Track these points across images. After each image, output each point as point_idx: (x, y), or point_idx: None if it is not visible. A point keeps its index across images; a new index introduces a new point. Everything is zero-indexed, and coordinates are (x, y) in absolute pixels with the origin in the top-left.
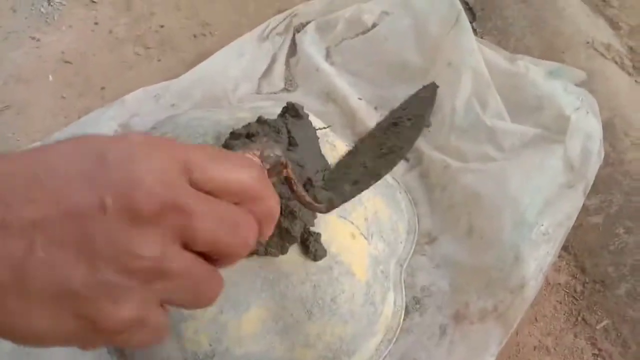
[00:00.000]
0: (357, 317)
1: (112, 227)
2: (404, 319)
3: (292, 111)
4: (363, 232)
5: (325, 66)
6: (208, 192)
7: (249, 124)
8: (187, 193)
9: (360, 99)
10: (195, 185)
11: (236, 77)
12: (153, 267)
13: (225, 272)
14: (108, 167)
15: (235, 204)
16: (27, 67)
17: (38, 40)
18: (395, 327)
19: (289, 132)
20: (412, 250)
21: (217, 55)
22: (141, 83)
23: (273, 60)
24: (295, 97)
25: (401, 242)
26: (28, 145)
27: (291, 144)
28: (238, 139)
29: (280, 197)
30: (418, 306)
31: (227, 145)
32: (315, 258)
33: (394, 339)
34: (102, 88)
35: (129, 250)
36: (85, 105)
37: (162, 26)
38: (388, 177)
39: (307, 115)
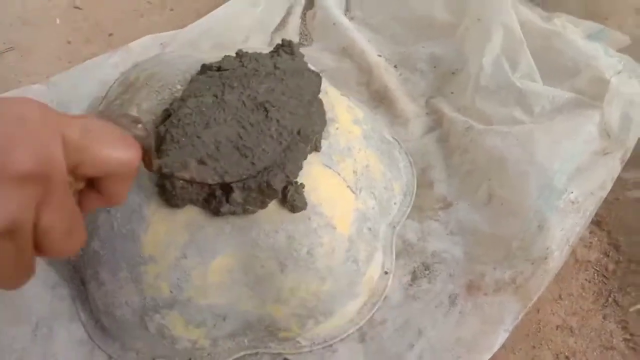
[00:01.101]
0: (337, 275)
1: None
2: (409, 285)
3: (287, 48)
4: (350, 185)
5: (343, 20)
6: (75, 167)
7: (225, 56)
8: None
9: (379, 55)
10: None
11: (248, 28)
12: (6, 226)
13: (192, 214)
14: None
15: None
16: (35, 9)
17: None
18: (382, 291)
19: (275, 67)
20: (407, 213)
21: (230, 4)
22: (152, 32)
23: (288, 12)
24: (309, 52)
25: (395, 203)
26: (28, 86)
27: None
28: (206, 72)
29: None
30: (427, 272)
31: (193, 80)
32: (293, 209)
33: (378, 304)
34: (110, 35)
35: None
36: (91, 51)
37: None
38: (386, 134)
39: (303, 56)
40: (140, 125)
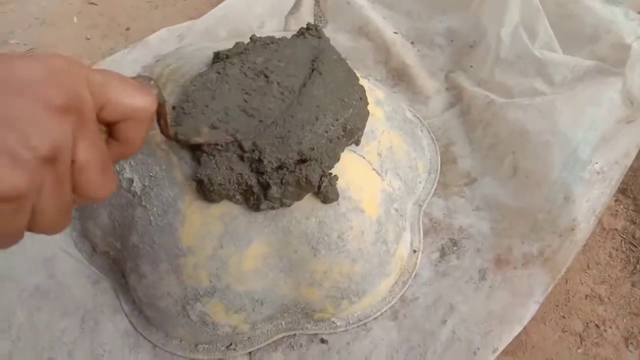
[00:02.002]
0: (367, 256)
1: (30, 107)
2: (439, 261)
3: (313, 31)
4: (375, 168)
5: None
6: (98, 111)
7: (237, 43)
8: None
9: (395, 32)
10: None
11: (262, 14)
12: (50, 150)
13: (226, 206)
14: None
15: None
16: (52, 9)
17: None
18: (412, 269)
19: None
20: (432, 190)
21: None
22: (167, 23)
23: None
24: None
25: (420, 182)
26: None
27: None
28: (220, 58)
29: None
30: (455, 248)
31: (210, 66)
32: (326, 200)
33: (409, 282)
34: (127, 29)
35: (34, 131)
36: (110, 46)
37: None
38: (407, 112)
39: (329, 40)
40: (152, 82)
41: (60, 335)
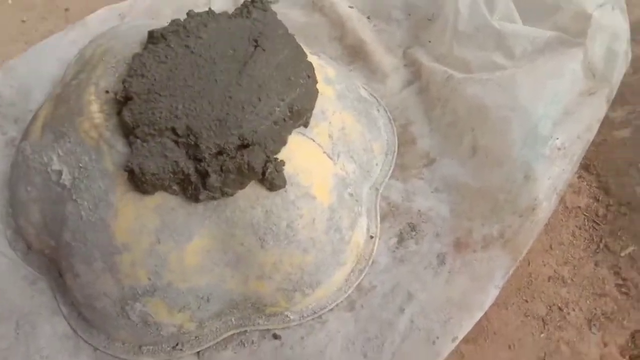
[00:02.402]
0: (320, 245)
1: None
2: (396, 247)
3: (258, 3)
4: (327, 151)
5: None
6: None
7: (173, 20)
8: None
9: (351, 7)
10: None
11: None
12: None
13: (161, 197)
14: None
15: None
16: None
17: None
18: (368, 256)
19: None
20: (390, 173)
21: None
22: (108, 2)
23: None
24: (277, 9)
25: (377, 164)
26: None
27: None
28: (155, 37)
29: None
30: (414, 233)
31: (145, 47)
32: (272, 187)
33: (366, 270)
34: (66, 9)
35: None
36: (48, 29)
37: None
38: (362, 91)
39: (275, 14)
40: None
41: None
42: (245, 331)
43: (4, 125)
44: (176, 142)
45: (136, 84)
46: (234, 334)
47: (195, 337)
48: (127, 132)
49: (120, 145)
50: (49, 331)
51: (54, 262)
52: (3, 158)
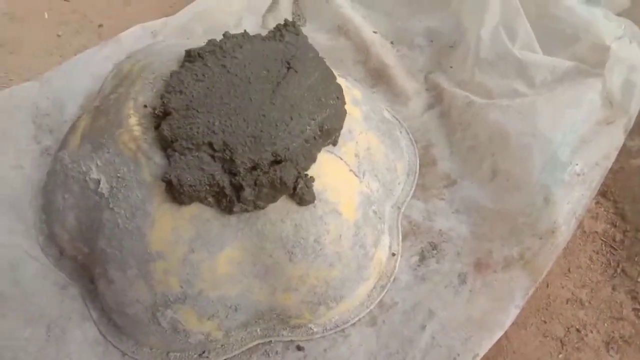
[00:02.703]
0: (345, 260)
1: None
2: (418, 265)
3: (291, 28)
4: (353, 169)
5: None
6: None
7: (210, 40)
8: None
9: (375, 32)
10: None
11: (240, 11)
12: None
13: (197, 208)
14: None
15: None
16: (21, 4)
17: None
18: (390, 273)
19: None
20: (411, 192)
21: None
22: (140, 20)
23: None
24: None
25: (399, 184)
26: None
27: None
28: (192, 56)
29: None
30: (435, 252)
31: (182, 65)
32: (302, 202)
33: (388, 286)
34: (100, 25)
35: None
36: (82, 43)
37: None
38: (386, 113)
39: (306, 38)
40: None
41: (25, 344)
42: (270, 342)
43: (39, 135)
44: (212, 157)
45: (174, 100)
46: (258, 344)
47: (222, 346)
48: (165, 145)
49: (158, 157)
50: (79, 336)
51: (86, 268)
52: (38, 167)
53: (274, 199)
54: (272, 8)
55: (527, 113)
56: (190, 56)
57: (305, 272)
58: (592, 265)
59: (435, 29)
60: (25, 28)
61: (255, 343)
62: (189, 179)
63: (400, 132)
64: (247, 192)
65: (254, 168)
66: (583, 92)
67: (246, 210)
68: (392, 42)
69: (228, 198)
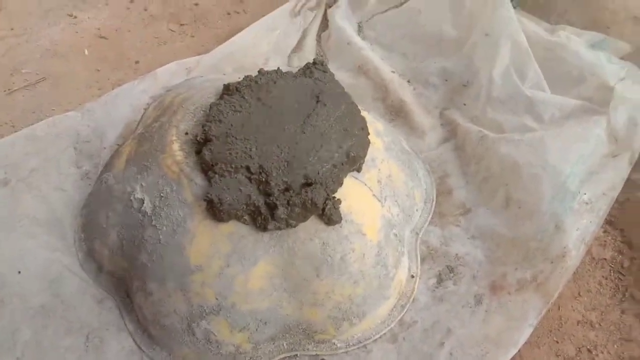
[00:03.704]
0: (368, 279)
1: None
2: (436, 287)
3: (319, 66)
4: (376, 194)
5: (357, 40)
6: None
7: (247, 76)
8: None
9: (393, 72)
10: None
11: (267, 52)
12: None
13: (234, 225)
14: None
15: None
16: (63, 42)
17: (75, 17)
18: (410, 293)
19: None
20: (429, 219)
21: (249, 30)
22: (174, 58)
23: (304, 34)
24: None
25: (417, 210)
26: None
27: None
28: (230, 90)
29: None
30: (452, 274)
31: (221, 97)
32: (330, 222)
33: (408, 305)
34: (136, 62)
35: None
36: (119, 78)
37: (196, 4)
38: (404, 144)
39: (333, 75)
40: None
41: (64, 353)
42: (296, 355)
43: (80, 160)
44: (249, 179)
45: (215, 128)
46: (285, 358)
47: (250, 358)
48: (206, 168)
49: (199, 179)
50: (116, 346)
51: (123, 282)
52: (78, 189)
53: (304, 218)
54: (296, 49)
55: (537, 146)
56: (229, 90)
57: (330, 288)
58: (601, 290)
59: (449, 69)
60: (67, 64)
61: (282, 356)
62: (228, 198)
63: (418, 162)
64: (281, 211)
65: (287, 189)
66: (589, 128)
67: (279, 228)
68: (408, 81)
69: (263, 216)
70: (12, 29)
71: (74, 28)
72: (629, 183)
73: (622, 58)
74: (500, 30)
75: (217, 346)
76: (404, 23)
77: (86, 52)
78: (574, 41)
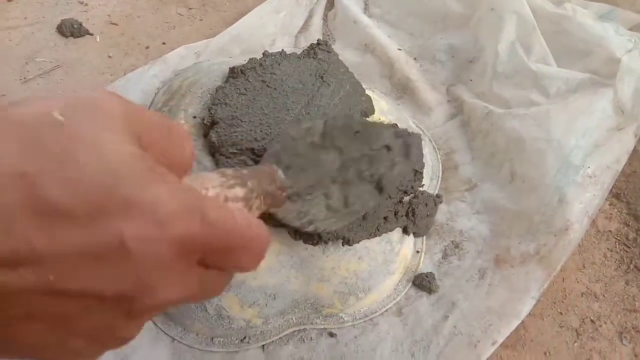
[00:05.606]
0: (373, 254)
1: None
2: (441, 262)
3: (323, 46)
4: None
5: (363, 18)
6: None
7: (251, 58)
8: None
9: (399, 49)
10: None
11: (274, 33)
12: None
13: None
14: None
15: None
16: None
17: (86, 4)
18: (415, 268)
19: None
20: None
21: (255, 12)
22: (184, 42)
23: (310, 14)
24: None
25: (423, 187)
26: None
27: (323, 78)
28: (235, 73)
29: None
30: (457, 250)
31: (226, 80)
32: None
33: (413, 279)
34: (147, 47)
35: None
36: (131, 63)
37: None
38: (410, 122)
39: (337, 55)
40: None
41: None
42: (305, 329)
43: None
44: (254, 160)
45: (221, 111)
46: (294, 331)
47: (261, 332)
48: (213, 150)
49: (206, 161)
50: None
51: None
52: None
53: None
54: (303, 29)
55: (542, 120)
56: (234, 73)
57: (336, 264)
58: (606, 262)
59: (455, 46)
60: (80, 50)
61: (291, 330)
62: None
63: (424, 139)
64: None
65: None
66: (595, 100)
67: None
68: (415, 58)
69: None
70: (25, 18)
71: (85, 15)
72: (635, 155)
73: (631, 29)
74: (505, 5)
75: (229, 321)
76: (409, 0)
77: (98, 38)
78: (580, 13)
